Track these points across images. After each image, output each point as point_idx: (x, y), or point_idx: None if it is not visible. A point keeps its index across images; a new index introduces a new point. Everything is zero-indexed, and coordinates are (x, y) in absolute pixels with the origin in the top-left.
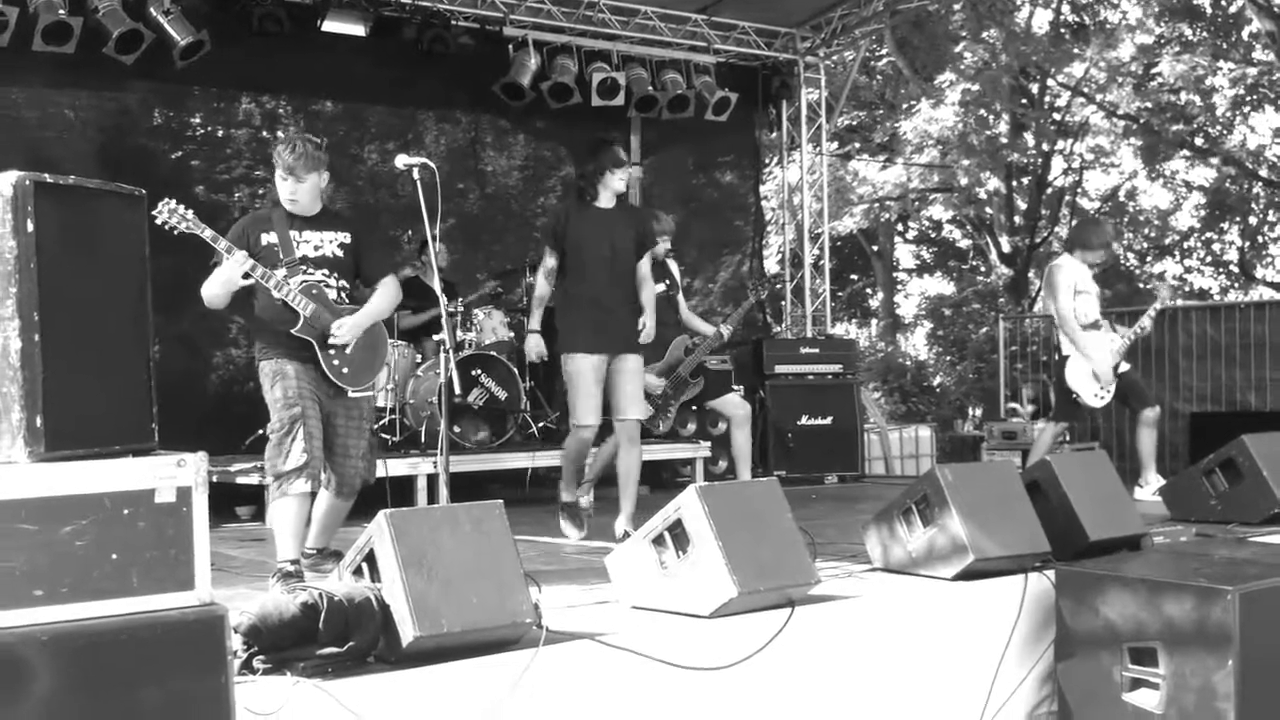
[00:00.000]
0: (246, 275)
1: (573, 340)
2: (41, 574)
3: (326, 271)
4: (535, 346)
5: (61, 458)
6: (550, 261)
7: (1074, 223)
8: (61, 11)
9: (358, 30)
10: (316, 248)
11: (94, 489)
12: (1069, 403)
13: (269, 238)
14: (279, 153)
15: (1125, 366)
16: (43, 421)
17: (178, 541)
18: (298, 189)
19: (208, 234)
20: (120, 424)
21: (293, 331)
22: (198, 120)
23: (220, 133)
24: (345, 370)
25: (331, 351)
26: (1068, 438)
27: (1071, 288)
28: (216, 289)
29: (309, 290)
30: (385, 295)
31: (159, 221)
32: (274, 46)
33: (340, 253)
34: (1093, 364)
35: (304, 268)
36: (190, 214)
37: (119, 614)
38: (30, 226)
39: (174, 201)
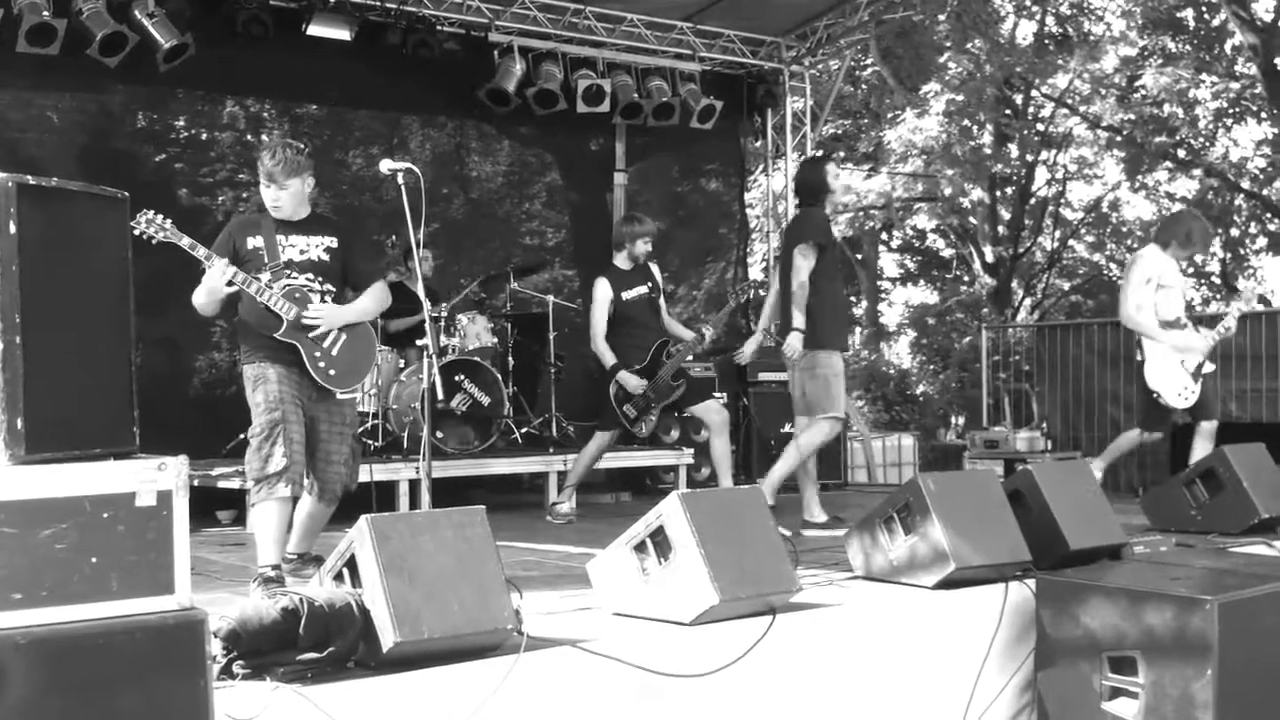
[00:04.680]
0: (230, 283)
1: (835, 339)
2: (20, 577)
3: (311, 275)
4: (799, 344)
5: (41, 460)
6: (813, 262)
7: (1169, 214)
8: (45, 13)
9: (343, 34)
10: (302, 252)
11: (74, 492)
12: (1153, 407)
13: (254, 242)
14: (260, 159)
15: (1210, 367)
16: (23, 424)
17: (158, 545)
18: (280, 195)
19: (185, 242)
20: (101, 427)
21: (277, 336)
22: (181, 123)
23: (204, 136)
24: (332, 372)
25: (318, 354)
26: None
27: (1150, 281)
28: (203, 298)
29: (292, 294)
30: (373, 297)
31: (137, 232)
32: (259, 50)
33: (326, 257)
34: (1177, 347)
35: (288, 272)
36: (168, 223)
37: (98, 618)
38: (12, 228)
39: (151, 211)
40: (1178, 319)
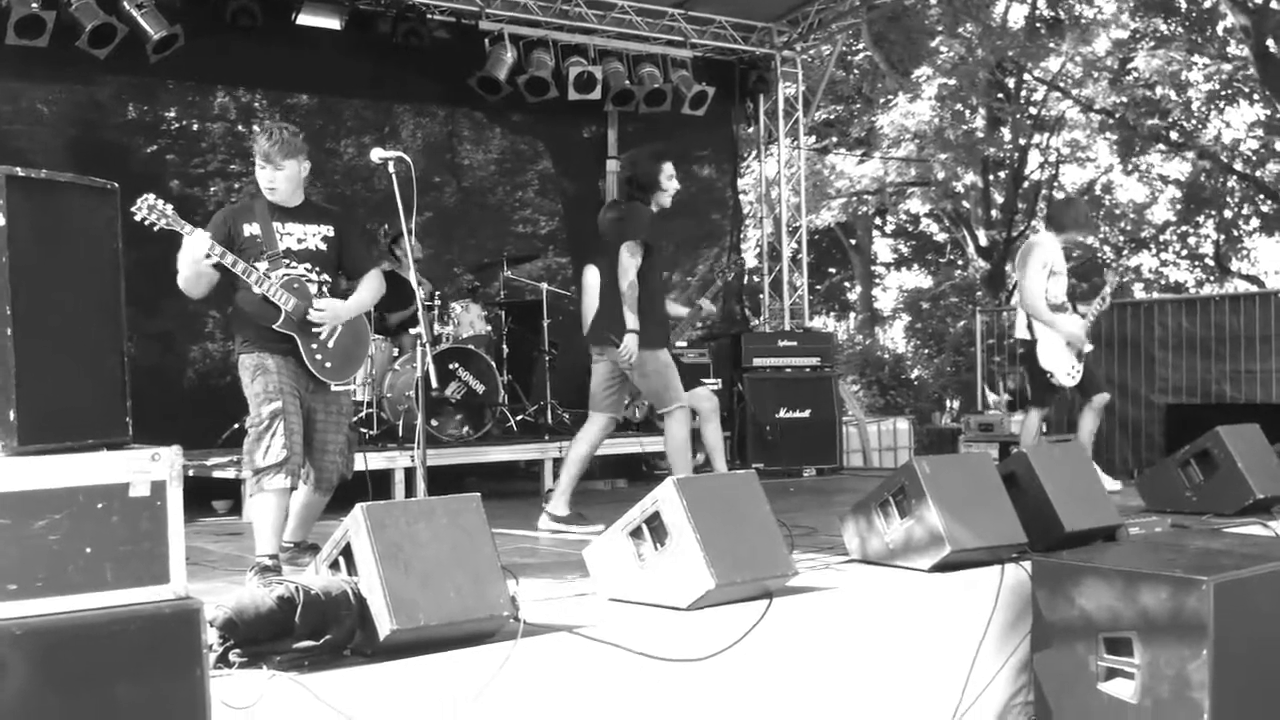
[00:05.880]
0: (209, 256)
1: (656, 338)
2: (14, 568)
3: (309, 265)
4: (635, 345)
5: (35, 452)
6: (640, 260)
7: (1054, 201)
8: (34, 5)
9: (332, 24)
10: (300, 240)
11: (68, 483)
12: (1045, 386)
13: (251, 229)
14: (256, 141)
15: (1089, 347)
16: (15, 415)
17: (152, 535)
18: (276, 176)
19: (187, 229)
20: (94, 418)
21: (275, 327)
22: (172, 114)
23: (195, 127)
24: (328, 364)
25: (314, 346)
26: (1045, 428)
27: (1046, 267)
28: (185, 271)
29: (291, 284)
30: (369, 288)
31: (138, 218)
32: (248, 40)
33: (323, 246)
34: (1068, 337)
35: (287, 261)
36: (170, 209)
37: (93, 608)
38: (1, 220)
39: (153, 197)
40: (1063, 303)
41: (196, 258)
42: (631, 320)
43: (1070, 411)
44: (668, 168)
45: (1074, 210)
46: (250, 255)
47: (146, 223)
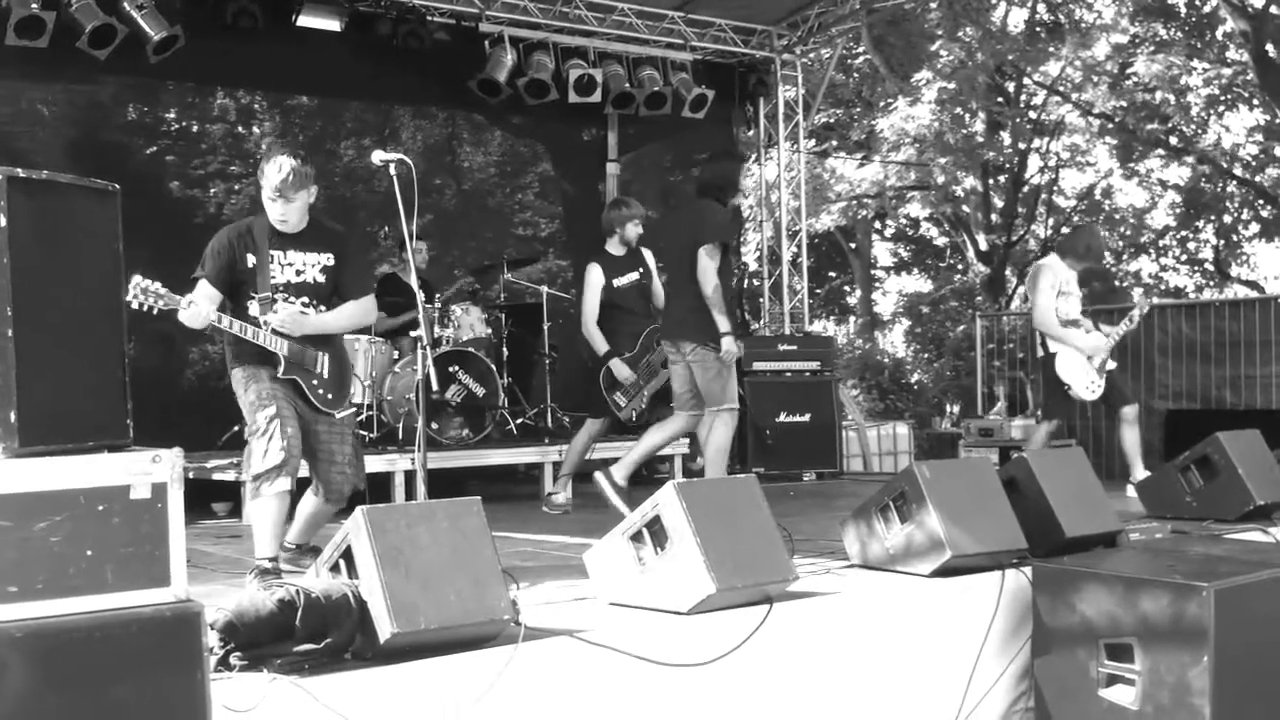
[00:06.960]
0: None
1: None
2: (15, 570)
3: (306, 299)
4: (733, 345)
5: (35, 453)
6: (719, 261)
7: (1066, 229)
8: (34, 5)
9: (333, 25)
10: (299, 272)
11: (68, 485)
12: (1060, 397)
13: (251, 259)
14: (264, 172)
15: (1111, 364)
16: (16, 417)
17: (153, 538)
18: (288, 210)
19: (184, 303)
20: (95, 420)
21: (280, 376)
22: (172, 115)
23: (195, 128)
24: (329, 396)
25: (315, 382)
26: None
27: (1054, 288)
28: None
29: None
30: (347, 313)
31: (134, 306)
32: (248, 41)
33: (322, 278)
34: (1088, 350)
35: (281, 297)
36: (160, 288)
37: (94, 610)
38: (2, 221)
39: (139, 278)
40: (1076, 320)
41: (195, 327)
42: (724, 322)
43: (1069, 419)
44: (744, 169)
45: (1079, 239)
46: (248, 288)
47: (144, 309)
